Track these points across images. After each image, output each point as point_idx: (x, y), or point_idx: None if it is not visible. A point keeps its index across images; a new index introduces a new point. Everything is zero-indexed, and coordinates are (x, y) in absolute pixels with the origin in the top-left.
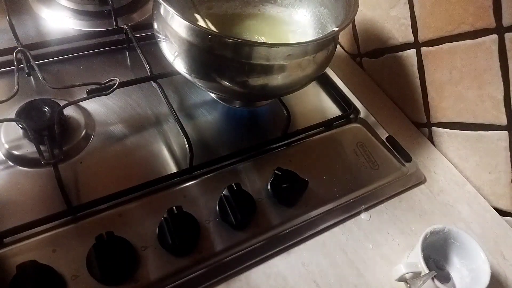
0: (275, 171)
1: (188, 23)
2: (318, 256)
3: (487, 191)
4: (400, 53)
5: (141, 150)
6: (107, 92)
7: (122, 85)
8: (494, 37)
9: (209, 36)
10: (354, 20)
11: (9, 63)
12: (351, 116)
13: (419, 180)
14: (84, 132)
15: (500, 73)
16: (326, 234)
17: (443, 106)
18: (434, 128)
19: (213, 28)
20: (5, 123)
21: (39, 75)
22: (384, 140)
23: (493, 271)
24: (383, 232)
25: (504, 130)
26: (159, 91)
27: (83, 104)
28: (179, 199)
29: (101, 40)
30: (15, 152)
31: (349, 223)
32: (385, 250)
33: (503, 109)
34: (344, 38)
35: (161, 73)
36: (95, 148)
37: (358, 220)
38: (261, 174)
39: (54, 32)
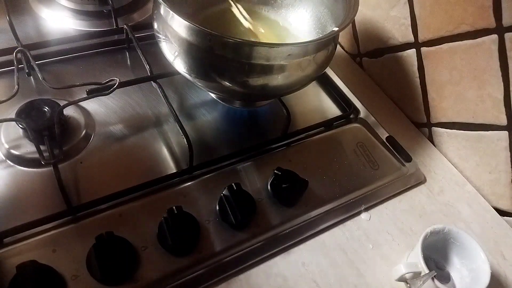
0: (275, 171)
1: (188, 23)
2: (318, 256)
3: (487, 191)
4: (400, 53)
5: (141, 150)
6: (107, 92)
7: (122, 85)
8: (494, 37)
9: (209, 36)
10: (354, 20)
11: (9, 63)
12: (351, 116)
13: (419, 180)
14: (84, 132)
15: (500, 73)
16: (326, 234)
17: (443, 106)
18: (434, 128)
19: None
20: (5, 123)
21: (39, 75)
22: (384, 140)
23: (493, 271)
24: (383, 232)
25: (504, 130)
26: (159, 91)
27: (83, 104)
28: (179, 199)
29: (101, 40)
30: (15, 152)
31: (349, 223)
32: (385, 250)
33: (503, 109)
34: (344, 38)
35: (161, 73)
36: (95, 148)
37: (358, 220)
38: (261, 174)
39: (54, 32)
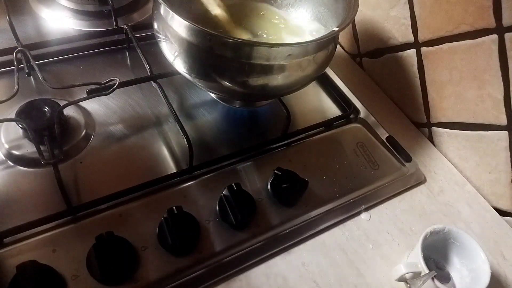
0: (275, 171)
1: (188, 23)
2: (318, 256)
3: (487, 191)
4: (400, 53)
5: (141, 150)
6: (107, 92)
7: (122, 85)
8: (494, 37)
9: (209, 36)
10: (354, 20)
11: (9, 63)
12: (351, 116)
13: (419, 180)
14: (84, 132)
15: (500, 73)
16: (326, 234)
17: (443, 106)
18: (434, 128)
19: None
20: (5, 123)
21: (39, 75)
22: (384, 140)
23: (493, 271)
24: (383, 232)
25: (504, 130)
26: (159, 91)
27: (83, 104)
28: (179, 199)
29: (101, 40)
30: (15, 152)
31: (349, 223)
32: (385, 250)
33: (503, 109)
34: (344, 38)
35: (161, 73)
36: (95, 148)
37: (358, 220)
38: (261, 174)
39: (54, 32)
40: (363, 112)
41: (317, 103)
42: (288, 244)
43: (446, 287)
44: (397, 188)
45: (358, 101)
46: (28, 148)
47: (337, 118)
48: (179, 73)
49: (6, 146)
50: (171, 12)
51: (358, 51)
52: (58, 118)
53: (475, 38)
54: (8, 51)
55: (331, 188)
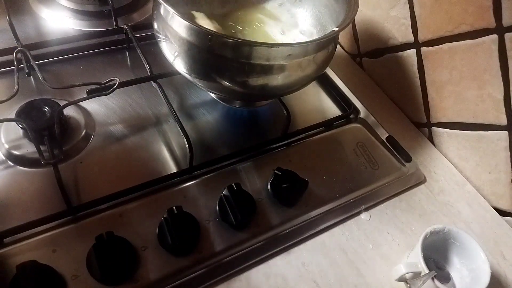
0: (275, 171)
1: (188, 23)
2: (318, 256)
3: (487, 191)
4: (400, 53)
5: (141, 150)
6: (107, 92)
7: (122, 85)
8: (494, 37)
9: (209, 36)
10: (354, 20)
11: (9, 63)
12: (351, 116)
13: (419, 180)
14: (84, 132)
15: (500, 73)
16: (326, 234)
17: (443, 106)
18: (434, 128)
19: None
20: (5, 123)
21: (39, 75)
22: (384, 140)
23: (493, 271)
24: (383, 232)
25: (504, 130)
26: (159, 91)
27: (83, 104)
28: (179, 199)
29: (101, 40)
30: (15, 152)
31: (349, 223)
32: (385, 250)
33: (503, 109)
34: (344, 38)
35: (161, 73)
36: (95, 148)
37: (358, 220)
38: (261, 174)
39: (54, 32)
40: (363, 112)
41: (317, 103)
42: (288, 244)
43: (446, 287)
44: (397, 188)
45: (358, 101)
46: (28, 148)
47: (337, 118)
48: (179, 73)
49: (6, 146)
50: (171, 12)
51: (358, 51)
52: (58, 118)
53: (475, 38)
54: (8, 51)
55: (331, 188)
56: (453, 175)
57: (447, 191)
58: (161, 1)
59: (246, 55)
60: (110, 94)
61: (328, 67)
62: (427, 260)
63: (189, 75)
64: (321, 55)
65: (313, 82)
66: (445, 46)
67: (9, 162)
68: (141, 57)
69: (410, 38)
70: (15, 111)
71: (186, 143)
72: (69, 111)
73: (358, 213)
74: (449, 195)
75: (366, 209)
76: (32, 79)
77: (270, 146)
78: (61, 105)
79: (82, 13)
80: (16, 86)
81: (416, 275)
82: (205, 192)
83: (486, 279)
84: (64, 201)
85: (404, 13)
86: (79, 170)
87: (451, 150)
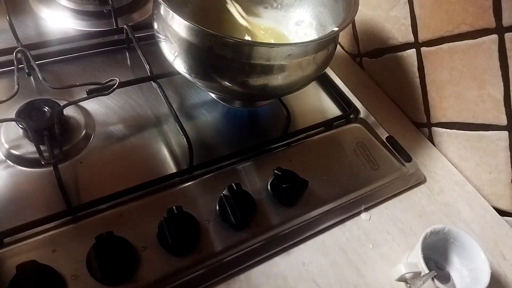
0: (275, 171)
1: (188, 23)
2: (318, 256)
3: (487, 191)
4: (400, 53)
5: (141, 150)
6: (107, 92)
7: (122, 85)
8: (494, 37)
9: (209, 36)
10: (354, 20)
11: (9, 63)
12: (351, 116)
13: (419, 180)
14: (84, 132)
15: (500, 73)
16: (326, 234)
17: (443, 106)
18: (434, 128)
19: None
20: (5, 123)
21: (39, 75)
22: (384, 140)
23: (493, 271)
24: (383, 232)
25: (504, 130)
26: (159, 91)
27: (83, 104)
28: (179, 199)
29: (101, 40)
30: (15, 152)
31: (349, 223)
32: (385, 250)
33: (503, 109)
34: (344, 38)
35: (161, 73)
36: (95, 148)
37: (358, 220)
38: (261, 174)
39: (54, 32)
40: (363, 112)
41: (317, 103)
42: (288, 244)
43: (446, 287)
44: (397, 188)
45: (358, 101)
46: (28, 148)
47: (337, 118)
48: (179, 73)
49: (6, 146)
50: (171, 12)
51: (358, 51)
52: (58, 118)
53: (475, 38)
54: (8, 51)
55: (331, 188)
56: (453, 175)
57: (447, 191)
58: (161, 1)
59: (246, 55)
60: (110, 94)
61: (328, 67)
62: (427, 260)
63: (189, 75)
64: (321, 55)
65: (313, 82)
66: (445, 46)
67: (9, 162)
68: (141, 57)
69: (410, 38)
70: (15, 111)
71: (186, 143)
72: (69, 111)
73: (358, 213)
74: (449, 195)
75: (366, 209)
76: (32, 79)
77: (270, 146)
78: (61, 105)
79: (82, 13)
80: (16, 86)
81: (416, 275)
82: (205, 192)
83: (486, 279)
84: (64, 201)
85: (404, 13)
86: (79, 170)
87: (451, 150)
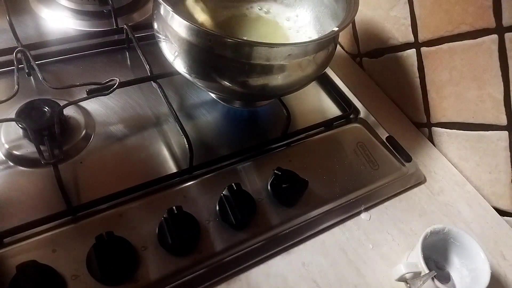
0: (275, 171)
1: (188, 23)
2: (318, 256)
3: (487, 191)
4: (400, 53)
5: (141, 150)
6: (107, 92)
7: (122, 85)
8: (494, 37)
9: (209, 36)
10: (354, 20)
11: (9, 63)
12: (351, 116)
13: (419, 180)
14: (84, 132)
15: (500, 73)
16: (326, 234)
17: (443, 106)
18: (434, 128)
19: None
20: (5, 123)
21: (39, 75)
22: (384, 140)
23: (493, 271)
24: (383, 232)
25: (504, 130)
26: (159, 91)
27: (83, 104)
28: (179, 199)
29: (101, 40)
30: (15, 152)
31: (349, 223)
32: (385, 250)
33: (503, 109)
34: (344, 38)
35: (161, 73)
36: (95, 148)
37: (358, 220)
38: (261, 174)
39: (54, 32)
40: (363, 112)
41: (317, 103)
42: (288, 244)
43: (446, 287)
44: (397, 188)
45: (358, 101)
46: (28, 148)
47: (337, 118)
48: (179, 73)
49: (6, 146)
50: (171, 12)
51: (358, 51)
52: (58, 118)
53: (475, 38)
54: (8, 51)
55: (331, 188)
56: (453, 175)
57: (447, 191)
58: (161, 1)
59: (246, 55)
60: (110, 94)
61: (328, 67)
62: (427, 260)
63: (189, 75)
64: (321, 55)
65: (313, 82)
66: (445, 46)
67: (9, 162)
68: (141, 57)
69: (410, 38)
70: (15, 111)
71: (186, 143)
72: (69, 111)
73: (358, 213)
74: (449, 195)
75: (366, 209)
76: (32, 79)
77: (270, 146)
78: (61, 105)
79: (82, 13)
80: (16, 86)
81: (416, 275)
82: (205, 192)
83: (486, 279)
84: (64, 201)
85: (404, 13)
86: (79, 170)
87: (451, 150)
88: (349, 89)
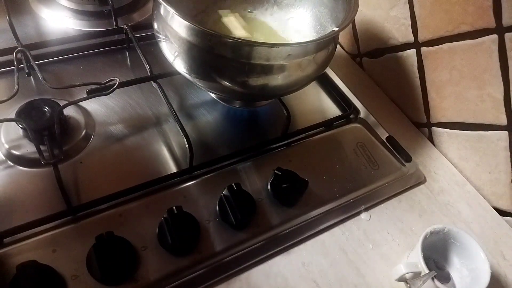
0: (275, 171)
1: (188, 23)
2: (318, 256)
3: (487, 191)
4: (400, 53)
5: (141, 150)
6: (107, 92)
7: (122, 85)
8: (494, 37)
9: (209, 36)
10: (354, 20)
11: (9, 63)
12: (351, 116)
13: (419, 180)
14: (84, 132)
15: (500, 73)
16: (326, 234)
17: (443, 106)
18: (434, 128)
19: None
20: (5, 123)
21: (39, 75)
22: (384, 140)
23: (493, 271)
24: (383, 232)
25: (504, 130)
26: (159, 91)
27: (83, 104)
28: (179, 199)
29: (101, 40)
30: (15, 152)
31: (349, 223)
32: (385, 250)
33: (503, 109)
34: (344, 38)
35: (161, 73)
36: (95, 148)
37: (358, 220)
38: (261, 174)
39: (54, 32)
40: (363, 112)
41: (317, 103)
42: (288, 244)
43: (446, 287)
44: (397, 188)
45: (358, 101)
46: (28, 148)
47: (337, 118)
48: (179, 73)
49: (6, 146)
50: (171, 12)
51: (358, 51)
52: (58, 118)
53: (475, 38)
54: (8, 51)
55: (331, 188)
56: (453, 175)
57: (447, 191)
58: (161, 1)
59: (246, 55)
60: (110, 94)
61: (328, 67)
62: (427, 260)
63: (189, 75)
64: (321, 55)
65: (313, 82)
66: (445, 46)
67: (9, 162)
68: (141, 57)
69: (410, 38)
70: (15, 111)
71: (186, 143)
72: (69, 111)
73: (358, 213)
74: (449, 195)
75: (366, 209)
76: (32, 79)
77: (270, 146)
78: (61, 105)
79: (82, 13)
80: (16, 86)
81: (416, 275)
82: (205, 192)
83: (486, 279)
84: (64, 201)
85: (404, 13)
86: (79, 170)
87: (451, 150)
88: (349, 89)
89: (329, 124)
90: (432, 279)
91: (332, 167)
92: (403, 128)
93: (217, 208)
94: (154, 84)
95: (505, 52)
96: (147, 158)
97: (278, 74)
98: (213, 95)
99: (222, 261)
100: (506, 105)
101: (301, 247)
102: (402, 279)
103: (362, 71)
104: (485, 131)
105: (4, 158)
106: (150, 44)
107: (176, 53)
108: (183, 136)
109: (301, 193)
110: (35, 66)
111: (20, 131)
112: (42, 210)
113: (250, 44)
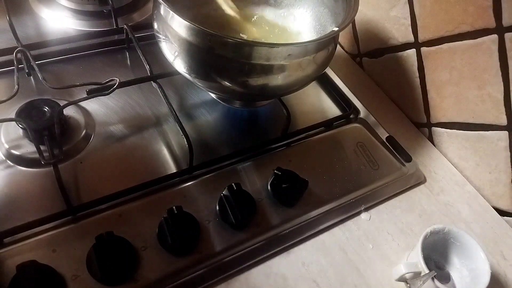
0: (275, 171)
1: (188, 23)
2: (318, 256)
3: (487, 191)
4: (400, 53)
5: (141, 150)
6: (107, 92)
7: (122, 85)
8: (494, 37)
9: (209, 36)
10: (354, 20)
11: (9, 63)
12: (351, 116)
13: (419, 180)
14: (84, 132)
15: (500, 73)
16: (326, 234)
17: (443, 106)
18: (434, 128)
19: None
20: (5, 123)
21: (39, 75)
22: (384, 140)
23: (493, 271)
24: (383, 232)
25: (504, 130)
26: (159, 91)
27: (83, 104)
28: (179, 199)
29: (101, 40)
30: (15, 152)
31: (349, 223)
32: (385, 250)
33: (503, 109)
34: (344, 38)
35: (161, 73)
36: (95, 148)
37: (358, 220)
38: (261, 174)
39: (54, 32)
40: (363, 112)
41: (317, 103)
42: (288, 244)
43: (446, 287)
44: (397, 188)
45: (358, 101)
46: (28, 148)
47: (337, 118)
48: (179, 73)
49: (6, 146)
50: (171, 12)
51: (358, 51)
52: (58, 118)
53: (475, 38)
54: (8, 51)
55: (331, 188)
56: (453, 175)
57: (447, 191)
58: (161, 1)
59: (246, 55)
60: (110, 94)
61: (328, 67)
62: (427, 260)
63: (189, 75)
64: (321, 55)
65: (313, 82)
66: (445, 46)
67: (9, 162)
68: (141, 57)
69: (410, 38)
70: (15, 111)
71: (186, 143)
72: (69, 111)
73: (358, 213)
74: (449, 195)
75: (366, 209)
76: (32, 79)
77: (270, 146)
78: (61, 105)
79: (82, 13)
80: (16, 86)
81: (416, 275)
82: (205, 192)
83: (486, 279)
84: (64, 201)
85: (404, 13)
86: (79, 170)
87: (451, 150)
88: (349, 89)
89: (329, 124)
90: (432, 279)
91: (332, 167)
92: (403, 128)
93: (217, 208)
94: (154, 84)
95: (505, 52)
96: (147, 158)
97: (278, 74)
98: (213, 95)
99: (222, 261)
100: (506, 105)
101: (301, 247)
102: (402, 279)
103: (362, 71)
104: (485, 131)
105: (4, 158)
106: (150, 44)
107: (176, 53)
108: (183, 136)
109: (301, 193)
110: (35, 66)
111: (20, 131)
112: (42, 210)
113: (250, 44)
